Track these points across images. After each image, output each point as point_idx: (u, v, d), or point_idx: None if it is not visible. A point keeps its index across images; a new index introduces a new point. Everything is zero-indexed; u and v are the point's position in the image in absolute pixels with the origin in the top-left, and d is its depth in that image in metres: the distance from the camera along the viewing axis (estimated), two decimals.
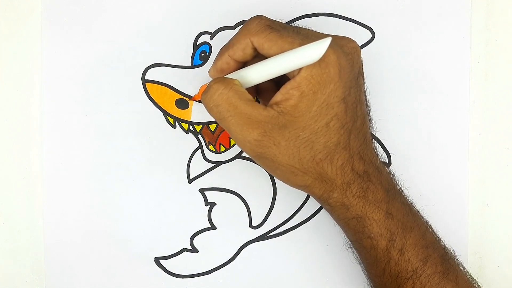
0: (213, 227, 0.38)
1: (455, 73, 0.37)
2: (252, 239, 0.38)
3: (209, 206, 0.38)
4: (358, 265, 0.34)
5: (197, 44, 0.37)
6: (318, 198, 0.32)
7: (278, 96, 0.29)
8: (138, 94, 0.37)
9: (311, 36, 0.29)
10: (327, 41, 0.27)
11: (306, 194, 0.37)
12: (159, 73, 0.37)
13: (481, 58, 0.37)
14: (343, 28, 0.37)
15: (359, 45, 0.36)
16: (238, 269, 0.38)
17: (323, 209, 0.37)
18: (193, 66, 0.37)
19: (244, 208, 0.37)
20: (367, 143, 0.31)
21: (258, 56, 0.31)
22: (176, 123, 0.37)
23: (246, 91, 0.30)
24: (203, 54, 0.37)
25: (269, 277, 0.38)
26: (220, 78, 0.30)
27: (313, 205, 0.37)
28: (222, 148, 0.37)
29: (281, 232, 0.38)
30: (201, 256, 0.38)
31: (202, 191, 0.37)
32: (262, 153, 0.30)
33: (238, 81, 0.30)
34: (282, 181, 0.32)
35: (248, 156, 0.37)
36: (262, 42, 0.29)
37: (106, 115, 0.37)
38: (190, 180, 0.37)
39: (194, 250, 0.38)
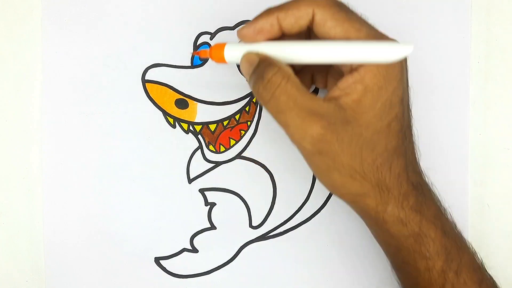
0: (213, 227, 0.38)
1: (455, 73, 0.37)
2: (252, 239, 0.38)
3: (209, 206, 0.38)
4: (358, 265, 0.34)
5: (197, 44, 0.37)
6: (371, 211, 0.29)
7: (336, 91, 0.27)
8: (138, 94, 0.37)
9: (375, 30, 0.27)
10: (411, 47, 0.25)
11: (306, 194, 0.37)
12: (159, 73, 0.37)
13: (481, 58, 0.37)
14: None
15: None
16: (238, 269, 0.38)
17: (323, 209, 0.37)
18: (193, 66, 0.37)
19: (244, 208, 0.37)
20: (414, 153, 0.30)
21: (300, 35, 0.28)
22: (176, 123, 0.37)
23: (299, 82, 0.27)
24: None
25: (269, 277, 0.38)
26: (275, 68, 0.27)
27: (313, 205, 0.37)
28: (222, 148, 0.37)
29: (281, 232, 0.38)
30: (201, 256, 0.38)
31: (202, 191, 0.37)
32: (323, 149, 0.27)
33: (290, 69, 0.27)
34: (334, 189, 0.29)
35: (248, 156, 0.37)
36: (326, 18, 0.26)
37: (106, 115, 0.37)
38: (190, 180, 0.37)
39: (194, 250, 0.38)
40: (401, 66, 0.27)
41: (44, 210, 0.37)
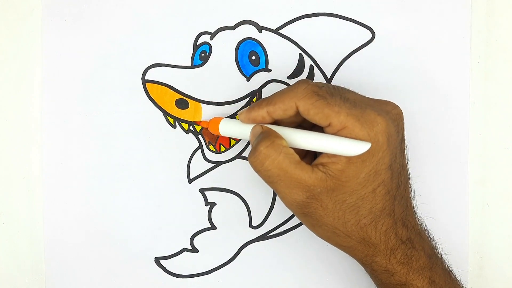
0: (213, 227, 0.38)
1: (455, 73, 0.37)
2: (252, 239, 0.38)
3: (209, 206, 0.38)
4: (358, 265, 0.34)
5: (197, 44, 0.37)
6: (360, 260, 0.32)
7: (325, 158, 0.29)
8: (138, 94, 0.37)
9: (359, 104, 0.29)
10: (367, 145, 0.28)
11: None
12: (159, 73, 0.37)
13: (481, 58, 0.37)
14: (343, 28, 0.37)
15: (359, 45, 0.37)
16: (238, 269, 0.38)
17: None
18: (193, 66, 0.37)
19: (244, 208, 0.37)
20: (409, 209, 0.32)
21: (297, 116, 0.31)
22: (176, 123, 0.37)
23: (294, 153, 0.30)
24: (203, 54, 0.37)
25: (269, 277, 0.38)
26: (269, 141, 0.30)
27: None
28: (222, 148, 0.37)
29: (281, 232, 0.38)
30: (201, 256, 0.38)
31: (202, 191, 0.37)
32: (308, 213, 0.30)
33: (286, 141, 0.30)
34: (323, 239, 0.32)
35: (247, 156, 0.37)
36: (308, 108, 0.29)
37: (106, 115, 0.37)
38: (190, 180, 0.37)
39: (194, 250, 0.38)
40: (387, 136, 0.29)
41: (44, 210, 0.37)
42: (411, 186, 0.32)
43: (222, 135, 0.35)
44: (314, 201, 0.30)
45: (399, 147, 0.30)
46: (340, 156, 0.29)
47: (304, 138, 0.30)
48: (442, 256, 0.33)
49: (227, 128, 0.34)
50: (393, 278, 0.31)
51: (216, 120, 0.35)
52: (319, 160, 0.30)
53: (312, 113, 0.29)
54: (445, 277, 0.32)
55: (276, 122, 0.32)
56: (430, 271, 0.31)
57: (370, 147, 0.28)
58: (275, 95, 0.31)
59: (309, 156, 0.34)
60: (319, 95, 0.29)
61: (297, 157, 0.30)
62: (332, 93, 0.30)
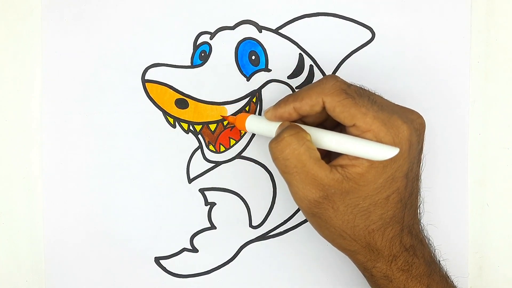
0: (213, 227, 0.38)
1: (455, 73, 0.37)
2: (252, 239, 0.38)
3: (209, 206, 0.38)
4: None
5: (197, 44, 0.37)
6: (360, 265, 0.32)
7: (345, 160, 0.29)
8: (138, 94, 0.37)
9: (386, 108, 0.29)
10: (396, 151, 0.28)
11: None
12: (159, 73, 0.37)
13: (481, 58, 0.37)
14: (343, 28, 0.37)
15: (359, 45, 0.37)
16: (238, 269, 0.38)
17: None
18: (193, 66, 0.37)
19: (244, 208, 0.37)
20: (416, 217, 0.32)
21: (322, 114, 0.31)
22: (176, 123, 0.37)
23: (316, 149, 0.29)
24: (203, 54, 0.37)
25: (269, 277, 0.38)
26: (293, 130, 0.29)
27: None
28: (222, 148, 0.37)
29: (281, 232, 0.38)
30: (201, 256, 0.38)
31: (202, 191, 0.37)
32: (317, 213, 0.30)
33: (310, 136, 0.30)
34: (327, 240, 0.32)
35: (248, 156, 0.37)
36: (335, 105, 0.29)
37: (106, 115, 0.37)
38: (190, 180, 0.37)
39: (194, 250, 0.38)
40: (409, 144, 0.28)
41: (44, 210, 0.37)
42: (420, 195, 0.32)
43: (248, 131, 0.35)
44: (326, 201, 0.29)
45: (417, 157, 0.30)
46: (361, 159, 0.28)
47: (331, 139, 0.29)
48: (440, 262, 0.33)
49: (253, 125, 0.34)
50: (391, 284, 0.31)
51: (243, 116, 0.35)
52: (339, 161, 0.29)
53: (338, 111, 0.29)
54: (442, 283, 0.32)
55: (301, 120, 0.32)
56: (428, 278, 0.31)
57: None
58: (301, 91, 0.30)
59: (327, 158, 0.33)
60: (347, 94, 0.29)
61: (318, 154, 0.29)
62: (360, 93, 0.29)
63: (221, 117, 0.37)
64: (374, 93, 0.30)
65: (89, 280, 0.38)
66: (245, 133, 0.37)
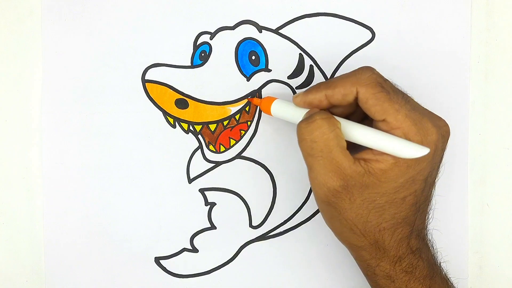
0: (213, 227, 0.38)
1: (455, 73, 0.37)
2: (252, 239, 0.38)
3: (209, 206, 0.38)
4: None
5: (197, 44, 0.37)
6: (364, 262, 0.32)
7: (369, 154, 0.29)
8: (138, 94, 0.37)
9: (417, 109, 0.29)
10: (426, 150, 0.27)
11: (306, 194, 0.37)
12: (159, 73, 0.37)
13: (481, 58, 0.37)
14: (343, 28, 0.37)
15: (359, 45, 0.37)
16: (238, 269, 0.38)
17: None
18: (193, 66, 0.37)
19: (244, 208, 0.37)
20: (425, 222, 0.32)
21: (351, 106, 0.30)
22: (176, 123, 0.37)
23: (344, 138, 0.29)
24: (203, 54, 0.37)
25: (269, 277, 0.38)
26: (326, 115, 0.29)
27: (313, 205, 0.37)
28: (222, 148, 0.37)
29: (281, 232, 0.38)
30: (201, 256, 0.38)
31: (202, 191, 0.37)
32: (333, 202, 0.30)
33: (341, 124, 0.29)
34: (335, 233, 0.32)
35: (248, 156, 0.37)
36: (368, 97, 0.28)
37: (106, 115, 0.37)
38: (190, 180, 0.37)
39: (194, 250, 0.38)
40: (435, 149, 0.28)
41: (44, 210, 0.37)
42: (431, 201, 0.32)
43: (273, 115, 0.34)
44: (345, 192, 0.29)
45: (438, 163, 0.30)
46: (386, 156, 0.28)
47: (362, 131, 0.29)
48: (441, 264, 0.33)
49: (279, 110, 0.33)
50: (393, 285, 0.31)
51: (269, 100, 0.34)
52: (362, 155, 0.29)
53: (371, 103, 0.28)
54: (443, 285, 0.32)
55: (329, 110, 0.31)
56: (430, 280, 0.31)
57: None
58: (335, 79, 0.30)
59: (351, 151, 0.33)
60: (382, 87, 0.28)
61: (345, 143, 0.29)
62: (395, 90, 0.29)
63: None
64: (406, 93, 0.30)
65: (89, 280, 0.38)
66: (245, 133, 0.37)
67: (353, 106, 0.30)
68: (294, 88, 0.37)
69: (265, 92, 0.37)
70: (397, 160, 0.28)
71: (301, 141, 0.29)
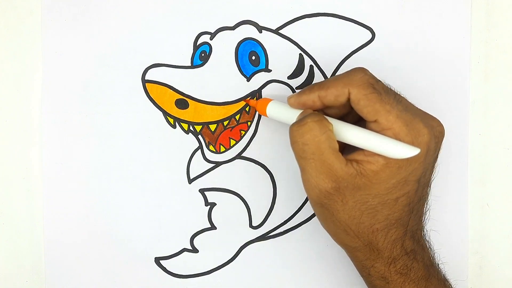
0: (213, 227, 0.38)
1: (455, 73, 0.37)
2: (252, 239, 0.38)
3: (209, 206, 0.38)
4: None
5: (197, 44, 0.37)
6: (359, 263, 0.32)
7: (361, 155, 0.29)
8: (138, 94, 0.37)
9: (409, 110, 0.29)
10: (417, 151, 0.28)
11: (306, 194, 0.37)
12: (159, 73, 0.37)
13: (481, 58, 0.37)
14: (343, 28, 0.37)
15: (359, 45, 0.37)
16: (238, 269, 0.38)
17: None
18: (193, 66, 0.37)
19: (244, 208, 0.37)
20: (420, 223, 0.32)
21: (345, 106, 0.30)
22: (176, 123, 0.37)
23: (336, 140, 0.29)
24: (203, 54, 0.37)
25: (269, 277, 0.38)
26: (317, 117, 0.29)
27: None
28: (222, 148, 0.37)
29: (281, 232, 0.38)
30: (201, 256, 0.38)
31: (202, 191, 0.37)
32: (326, 204, 0.30)
33: (332, 126, 0.30)
34: (330, 234, 0.32)
35: (248, 156, 0.37)
36: (360, 98, 0.29)
37: (106, 115, 0.37)
38: (190, 180, 0.37)
39: (194, 250, 0.38)
40: (427, 149, 0.28)
41: (44, 210, 0.37)
42: (427, 201, 0.32)
43: (269, 117, 0.34)
44: (337, 193, 0.29)
45: (432, 164, 0.30)
46: (377, 157, 0.28)
47: (353, 132, 0.29)
48: (439, 265, 0.33)
49: (274, 111, 0.34)
50: (388, 286, 0.31)
51: (265, 101, 0.34)
52: (354, 156, 0.29)
53: (362, 104, 0.28)
54: (440, 287, 0.32)
55: (323, 111, 0.31)
56: (426, 282, 0.31)
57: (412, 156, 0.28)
58: (328, 80, 0.30)
59: (342, 152, 0.33)
60: (374, 88, 0.29)
61: (337, 145, 0.29)
62: (387, 90, 0.29)
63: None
64: (400, 93, 0.30)
65: (89, 280, 0.38)
66: (245, 133, 0.37)
67: (346, 107, 0.31)
68: (294, 88, 0.37)
69: (265, 92, 0.37)
70: (388, 161, 0.28)
71: (293, 143, 0.30)
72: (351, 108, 0.30)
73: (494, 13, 0.37)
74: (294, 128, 0.29)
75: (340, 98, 0.29)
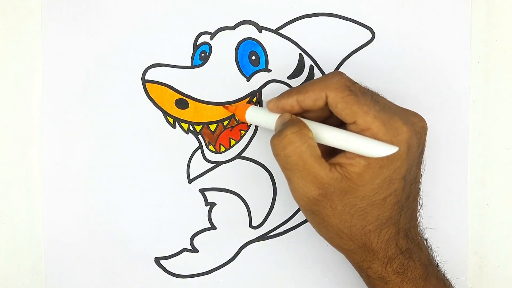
0: (213, 227, 0.38)
1: (455, 73, 0.37)
2: (252, 239, 0.38)
3: (209, 206, 0.38)
4: None
5: (197, 44, 0.37)
6: (356, 264, 0.32)
7: (343, 158, 0.29)
8: (138, 94, 0.37)
9: (388, 109, 0.29)
10: (394, 149, 0.28)
11: None
12: (159, 73, 0.37)
13: (481, 58, 0.37)
14: (343, 28, 0.37)
15: (359, 45, 0.37)
16: (238, 269, 0.38)
17: None
18: (193, 66, 0.37)
19: (244, 208, 0.37)
20: (413, 220, 0.32)
21: (324, 110, 0.31)
22: (176, 123, 0.37)
23: (317, 147, 0.29)
24: (203, 54, 0.37)
25: (269, 277, 0.38)
26: (296, 127, 0.29)
27: None
28: (222, 148, 0.37)
29: (281, 232, 0.38)
30: (201, 256, 0.38)
31: (202, 191, 0.37)
32: (316, 211, 0.30)
33: (312, 133, 0.30)
34: (325, 239, 0.32)
35: (248, 156, 0.37)
36: (337, 100, 0.29)
37: (106, 115, 0.37)
38: (190, 180, 0.37)
39: (194, 250, 0.38)
40: (408, 146, 0.29)
41: (44, 210, 0.37)
42: (419, 198, 0.32)
43: (248, 122, 0.35)
44: (325, 199, 0.29)
45: (417, 160, 0.30)
46: (358, 158, 0.28)
47: (331, 134, 0.30)
48: (438, 264, 0.33)
49: (254, 116, 0.34)
50: (387, 286, 0.31)
51: (244, 107, 0.35)
52: (337, 159, 0.29)
53: (340, 107, 0.29)
54: (439, 286, 0.32)
55: (303, 115, 0.32)
56: (424, 281, 0.31)
57: (391, 154, 0.28)
58: (306, 84, 0.31)
59: (327, 155, 0.33)
60: (351, 91, 0.29)
61: (319, 151, 0.29)
62: (364, 92, 0.29)
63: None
64: (377, 93, 0.30)
65: (89, 280, 0.38)
66: (245, 133, 0.37)
67: (326, 111, 0.31)
68: None
69: (265, 92, 0.37)
70: (368, 161, 0.28)
71: (275, 156, 0.30)
72: (331, 112, 0.31)
73: (494, 13, 0.37)
74: (275, 142, 0.30)
75: (318, 102, 0.30)
